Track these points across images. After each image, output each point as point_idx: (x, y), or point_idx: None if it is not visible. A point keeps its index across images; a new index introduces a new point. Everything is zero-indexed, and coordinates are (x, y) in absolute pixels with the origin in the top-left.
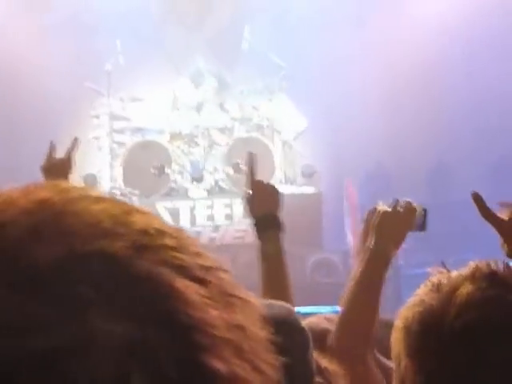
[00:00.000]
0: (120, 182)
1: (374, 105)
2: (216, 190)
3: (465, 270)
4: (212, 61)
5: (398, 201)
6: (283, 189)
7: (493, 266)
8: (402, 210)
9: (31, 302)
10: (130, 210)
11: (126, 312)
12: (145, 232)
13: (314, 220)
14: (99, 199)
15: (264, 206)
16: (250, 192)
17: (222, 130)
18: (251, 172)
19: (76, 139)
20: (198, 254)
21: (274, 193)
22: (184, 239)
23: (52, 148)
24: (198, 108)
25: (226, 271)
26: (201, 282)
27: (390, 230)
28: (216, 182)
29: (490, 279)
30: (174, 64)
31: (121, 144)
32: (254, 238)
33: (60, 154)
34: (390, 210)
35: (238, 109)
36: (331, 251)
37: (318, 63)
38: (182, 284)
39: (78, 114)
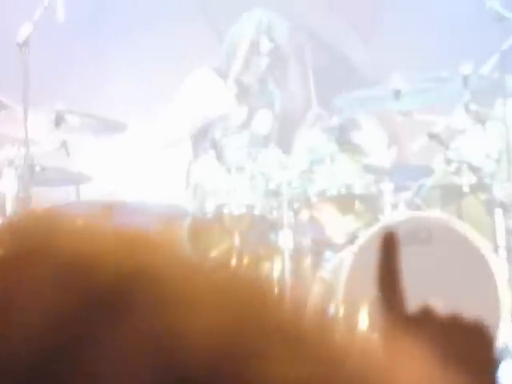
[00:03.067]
0: None
1: None
2: None
3: None
4: (304, 18)
5: None
6: None
7: None
8: None
9: None
10: (265, 291)
11: None
12: (324, 352)
13: None
14: (190, 263)
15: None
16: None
17: (339, 200)
18: (393, 288)
19: None
20: None
21: (480, 344)
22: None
23: None
24: (271, 138)
25: None
26: None
27: None
28: None
29: None
30: (211, 25)
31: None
32: None
33: None
34: None
35: (383, 135)
36: None
37: None
38: None
39: None
